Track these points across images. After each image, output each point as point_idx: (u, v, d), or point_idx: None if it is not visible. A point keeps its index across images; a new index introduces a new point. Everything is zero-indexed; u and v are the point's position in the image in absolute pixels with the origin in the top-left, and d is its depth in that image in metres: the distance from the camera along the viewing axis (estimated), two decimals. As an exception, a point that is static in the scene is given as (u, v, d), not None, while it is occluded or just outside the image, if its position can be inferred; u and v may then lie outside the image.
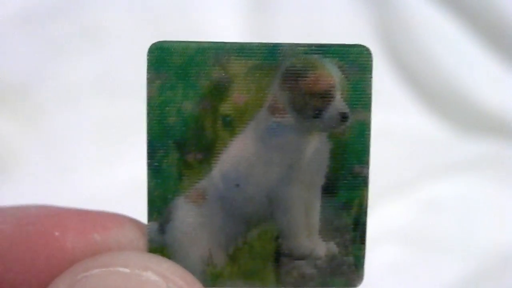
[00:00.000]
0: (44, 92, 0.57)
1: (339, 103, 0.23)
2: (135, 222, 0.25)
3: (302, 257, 0.24)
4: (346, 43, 0.23)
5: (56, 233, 0.24)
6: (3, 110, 0.57)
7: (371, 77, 0.23)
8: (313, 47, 0.23)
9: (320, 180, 0.23)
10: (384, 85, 0.63)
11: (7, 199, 0.53)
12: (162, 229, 0.23)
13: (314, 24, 0.62)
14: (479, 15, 0.63)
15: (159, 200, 0.23)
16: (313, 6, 0.63)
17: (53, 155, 0.56)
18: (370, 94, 0.23)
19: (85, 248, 0.24)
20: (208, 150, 0.23)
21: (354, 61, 0.23)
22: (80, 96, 0.58)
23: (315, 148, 0.23)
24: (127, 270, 0.21)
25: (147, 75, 0.23)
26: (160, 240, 0.23)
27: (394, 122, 0.62)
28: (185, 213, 0.23)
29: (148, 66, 0.23)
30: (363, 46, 0.23)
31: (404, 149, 0.60)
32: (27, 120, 0.57)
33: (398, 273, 0.52)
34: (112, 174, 0.52)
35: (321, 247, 0.24)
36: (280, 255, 0.24)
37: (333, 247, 0.24)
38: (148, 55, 0.23)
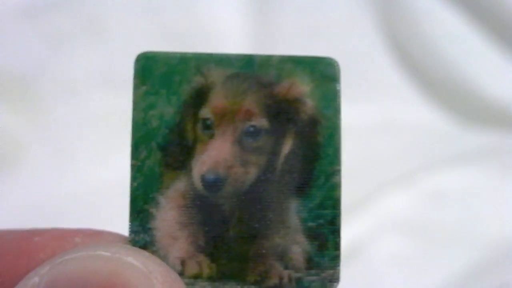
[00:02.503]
0: (45, 84, 0.58)
1: (310, 109, 0.25)
2: (116, 233, 0.26)
3: (278, 257, 0.24)
4: (317, 55, 0.25)
5: (36, 239, 0.25)
6: (4, 103, 0.57)
7: (339, 86, 0.25)
8: (286, 58, 0.25)
9: (294, 182, 0.25)
10: (387, 77, 0.64)
11: (9, 191, 0.52)
12: (143, 229, 0.24)
13: (317, 16, 0.63)
14: (483, 5, 0.63)
15: (141, 200, 0.24)
16: (316, 0, 0.64)
17: (55, 148, 0.56)
18: (339, 101, 0.25)
19: (66, 249, 0.24)
20: (188, 152, 0.24)
21: (323, 72, 0.25)
22: (81, 88, 0.58)
23: (290, 150, 0.25)
24: (108, 254, 0.22)
25: (134, 82, 0.25)
26: (140, 240, 0.24)
27: (397, 113, 0.62)
28: (166, 213, 0.24)
29: (134, 73, 0.25)
30: (331, 59, 0.25)
31: (407, 140, 0.61)
32: (28, 112, 0.57)
33: (401, 263, 0.51)
34: (113, 166, 0.52)
35: (297, 248, 0.24)
36: (258, 255, 0.24)
37: (308, 247, 0.24)
38: (135, 64, 0.25)
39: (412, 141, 0.61)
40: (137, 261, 0.22)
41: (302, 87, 0.25)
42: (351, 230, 0.53)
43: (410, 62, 0.65)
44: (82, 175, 0.55)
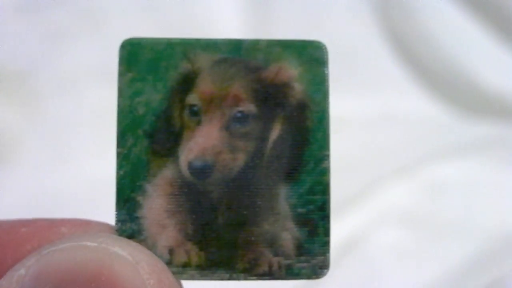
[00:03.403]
0: (41, 79, 0.58)
1: (298, 93, 0.24)
2: (103, 223, 0.25)
3: (268, 244, 0.24)
4: (305, 39, 0.25)
5: (23, 229, 0.24)
6: (1, 97, 0.57)
7: (327, 70, 0.24)
8: (274, 42, 0.24)
9: (283, 167, 0.24)
10: (387, 69, 0.64)
11: (4, 185, 0.52)
12: (130, 218, 0.24)
13: (314, 6, 0.63)
14: None
15: (128, 188, 0.24)
16: None
17: (52, 142, 0.56)
18: (327, 85, 0.24)
19: (52, 240, 0.24)
20: (175, 139, 0.24)
21: (312, 55, 0.24)
22: (78, 82, 0.58)
23: (278, 136, 0.24)
24: (94, 244, 0.21)
25: (119, 69, 0.24)
26: (127, 230, 0.24)
27: (396, 105, 0.62)
28: (153, 201, 0.24)
29: (119, 60, 0.24)
30: (320, 42, 0.25)
31: (406, 132, 0.61)
32: (25, 106, 0.57)
33: (401, 255, 0.51)
34: (109, 160, 0.51)
35: (286, 234, 0.24)
36: (247, 243, 0.24)
37: (298, 234, 0.24)
38: (120, 50, 0.24)
39: (412, 133, 0.61)
40: (124, 251, 0.22)
41: (290, 71, 0.24)
42: (350, 222, 0.52)
43: (409, 54, 0.65)
44: (78, 169, 0.55)
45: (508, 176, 0.59)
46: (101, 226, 0.25)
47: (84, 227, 0.25)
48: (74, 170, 0.55)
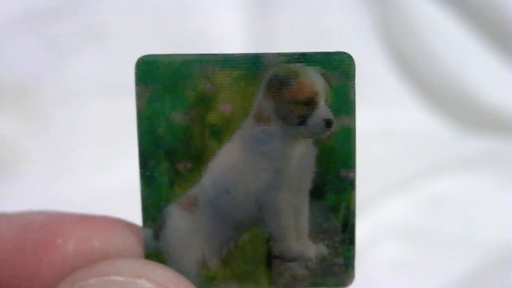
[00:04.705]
0: (46, 91, 0.59)
1: (323, 110, 0.23)
2: (133, 227, 0.26)
3: (292, 259, 0.24)
4: (328, 50, 0.23)
5: (59, 241, 0.25)
6: (5, 109, 0.58)
7: (354, 84, 0.23)
8: (295, 56, 0.23)
9: (307, 185, 0.24)
10: (386, 83, 0.64)
11: (9, 198, 0.54)
12: (156, 236, 0.24)
13: (316, 22, 0.62)
14: (481, 12, 0.62)
15: (153, 208, 0.24)
16: (315, 4, 0.63)
17: (55, 155, 0.57)
18: (354, 100, 0.23)
19: (86, 255, 0.25)
20: (197, 159, 0.24)
21: (337, 68, 0.23)
22: (82, 95, 0.59)
23: (301, 154, 0.24)
24: (121, 279, 0.22)
25: (136, 88, 0.23)
26: (155, 246, 0.24)
27: (396, 119, 0.62)
28: (178, 220, 0.24)
29: (136, 79, 0.23)
30: (345, 53, 0.23)
31: (406, 147, 0.61)
32: (29, 119, 0.58)
33: (400, 269, 0.53)
34: (113, 173, 0.53)
35: (311, 249, 0.24)
36: (271, 258, 0.24)
37: (323, 248, 0.24)
38: (135, 69, 0.23)
39: (411, 147, 0.61)
40: (150, 282, 0.22)
41: (313, 86, 0.23)
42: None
43: (409, 68, 0.64)
44: (82, 182, 0.55)
45: (508, 190, 0.57)
46: (131, 237, 0.25)
47: (115, 239, 0.25)
48: (79, 183, 0.55)
